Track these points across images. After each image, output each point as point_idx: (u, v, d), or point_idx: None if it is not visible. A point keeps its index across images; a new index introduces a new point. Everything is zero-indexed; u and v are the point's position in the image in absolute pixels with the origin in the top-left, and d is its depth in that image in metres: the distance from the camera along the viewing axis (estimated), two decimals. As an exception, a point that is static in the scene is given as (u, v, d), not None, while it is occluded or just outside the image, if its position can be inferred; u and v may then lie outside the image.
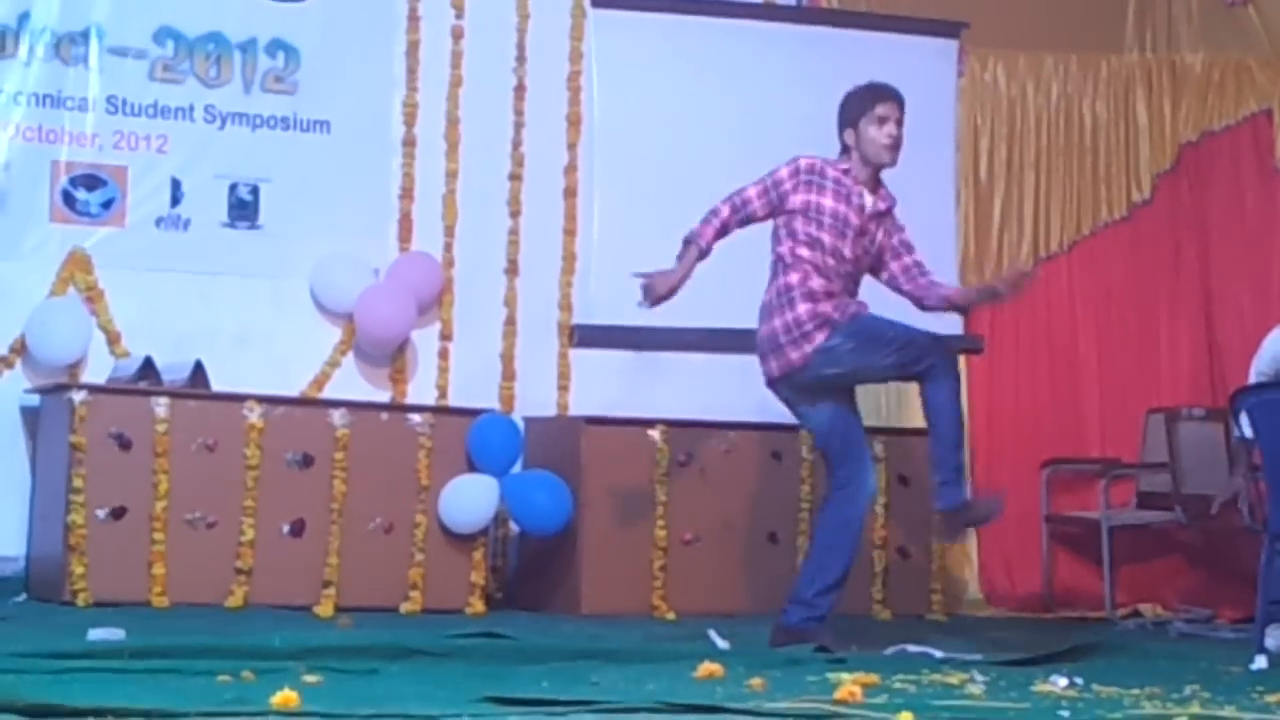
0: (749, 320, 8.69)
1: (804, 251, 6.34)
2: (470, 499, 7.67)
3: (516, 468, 7.95)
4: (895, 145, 6.43)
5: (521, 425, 8.14)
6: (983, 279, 9.40)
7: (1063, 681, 5.09)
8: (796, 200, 6.36)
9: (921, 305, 6.60)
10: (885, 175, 6.51)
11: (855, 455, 6.44)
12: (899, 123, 6.44)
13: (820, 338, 6.30)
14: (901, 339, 6.29)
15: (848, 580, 6.41)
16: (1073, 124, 9.66)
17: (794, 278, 6.34)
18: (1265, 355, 7.58)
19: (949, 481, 6.39)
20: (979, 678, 5.20)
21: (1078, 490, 9.36)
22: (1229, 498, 7.47)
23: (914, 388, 8.85)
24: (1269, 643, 6.77)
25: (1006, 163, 9.58)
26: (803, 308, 6.32)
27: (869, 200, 6.42)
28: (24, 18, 8.00)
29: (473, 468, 7.75)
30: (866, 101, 6.48)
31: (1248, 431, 6.69)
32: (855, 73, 9.07)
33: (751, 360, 8.95)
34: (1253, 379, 7.40)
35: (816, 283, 6.32)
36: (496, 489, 7.71)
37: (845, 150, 6.50)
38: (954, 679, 5.15)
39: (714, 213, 6.38)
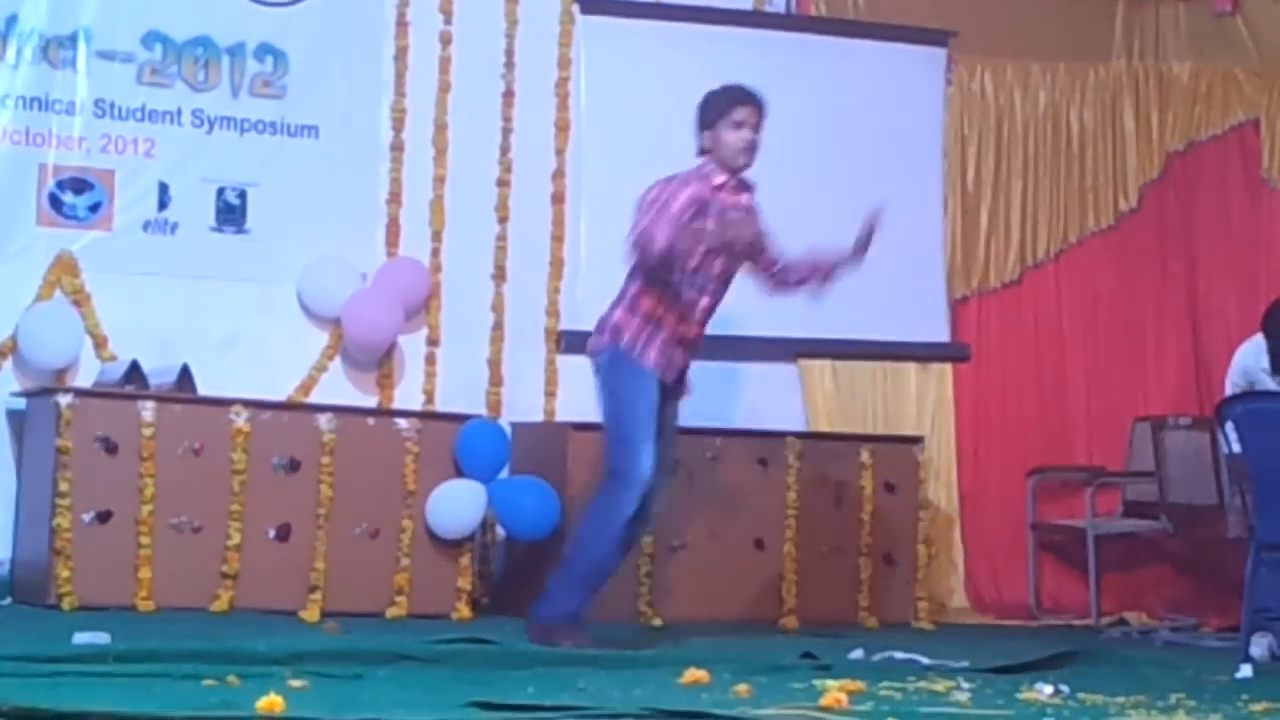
0: (734, 327, 8.70)
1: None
2: (458, 504, 7.65)
3: (503, 473, 7.94)
4: (751, 149, 6.47)
5: (508, 431, 8.13)
6: (970, 288, 9.44)
7: (1048, 689, 5.10)
8: None
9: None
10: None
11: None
12: (756, 128, 6.48)
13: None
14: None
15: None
16: (1060, 133, 9.66)
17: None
18: (1236, 369, 7.62)
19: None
20: (965, 685, 5.21)
21: (1064, 498, 9.37)
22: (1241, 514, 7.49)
23: (907, 394, 8.88)
24: (1254, 651, 6.80)
25: (994, 171, 9.58)
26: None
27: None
28: (11, 20, 7.97)
29: (460, 473, 7.73)
30: (725, 105, 6.49)
31: (1235, 442, 6.71)
32: (844, 80, 9.16)
33: (738, 367, 9.00)
34: (1229, 394, 7.44)
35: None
36: (484, 494, 7.70)
37: (703, 152, 6.52)
38: (940, 686, 5.16)
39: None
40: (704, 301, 6.43)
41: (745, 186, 6.53)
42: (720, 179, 6.44)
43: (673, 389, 6.49)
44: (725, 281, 6.49)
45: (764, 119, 6.49)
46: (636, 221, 6.32)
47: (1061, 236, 9.61)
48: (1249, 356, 7.67)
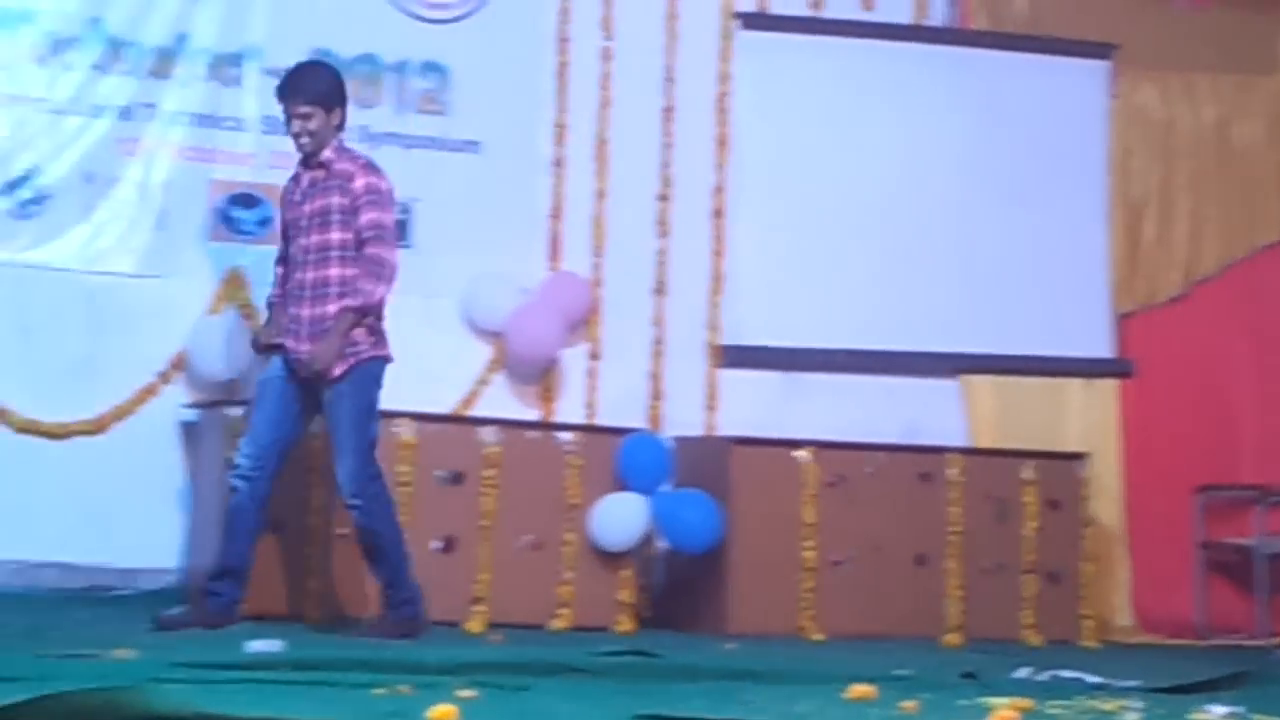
0: (896, 342, 8.66)
1: None
2: (620, 517, 7.66)
3: (665, 487, 7.93)
4: None
5: (669, 444, 8.13)
6: (1136, 303, 9.33)
7: (1221, 710, 5.01)
8: None
9: None
10: None
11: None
12: None
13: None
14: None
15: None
16: (1226, 146, 9.55)
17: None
18: None
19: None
20: (1134, 705, 5.13)
21: (1232, 516, 9.23)
22: None
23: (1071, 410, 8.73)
24: None
25: (1159, 185, 9.47)
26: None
27: None
28: (182, 39, 8.14)
29: (621, 486, 7.74)
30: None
31: None
32: (1006, 93, 9.10)
33: (900, 381, 8.94)
34: None
35: None
36: (647, 507, 7.69)
37: (342, 126, 6.68)
38: (1109, 705, 5.08)
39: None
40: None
41: None
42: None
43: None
44: None
45: None
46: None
47: (1228, 250, 9.48)
48: None
